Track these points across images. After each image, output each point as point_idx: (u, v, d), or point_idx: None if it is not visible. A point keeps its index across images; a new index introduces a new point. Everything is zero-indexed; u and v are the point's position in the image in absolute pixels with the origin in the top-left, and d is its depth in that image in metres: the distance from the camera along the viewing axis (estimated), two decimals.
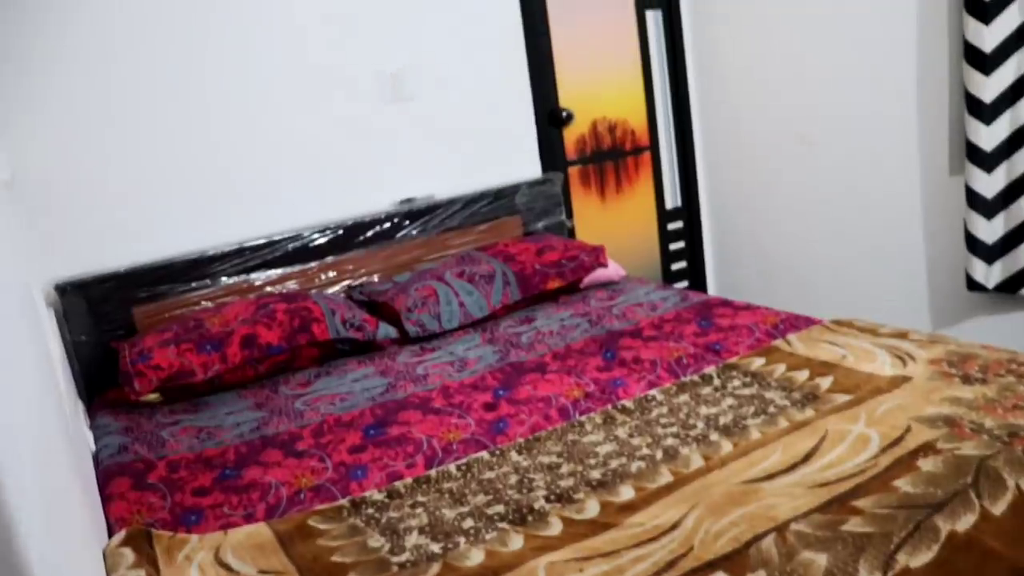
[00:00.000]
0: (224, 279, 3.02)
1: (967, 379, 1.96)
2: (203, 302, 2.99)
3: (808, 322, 2.55)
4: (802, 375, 2.15)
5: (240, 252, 3.05)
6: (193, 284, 2.99)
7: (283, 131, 3.18)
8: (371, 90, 3.33)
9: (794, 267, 3.86)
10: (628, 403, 2.13)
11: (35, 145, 2.81)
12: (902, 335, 2.31)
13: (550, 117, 3.79)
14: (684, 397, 2.13)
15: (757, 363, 2.27)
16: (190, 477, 2.04)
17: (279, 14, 3.14)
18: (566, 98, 3.83)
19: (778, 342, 2.40)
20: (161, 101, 2.98)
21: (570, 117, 3.84)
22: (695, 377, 2.25)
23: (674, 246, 4.29)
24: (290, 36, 3.18)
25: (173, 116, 3.00)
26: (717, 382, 2.20)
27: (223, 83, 3.07)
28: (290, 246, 3.12)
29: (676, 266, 4.31)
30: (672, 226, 4.27)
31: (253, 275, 3.07)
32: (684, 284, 4.31)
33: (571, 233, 3.77)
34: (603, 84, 3.96)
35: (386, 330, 2.82)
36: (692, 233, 4.30)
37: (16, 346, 1.18)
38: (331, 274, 3.19)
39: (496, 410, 2.19)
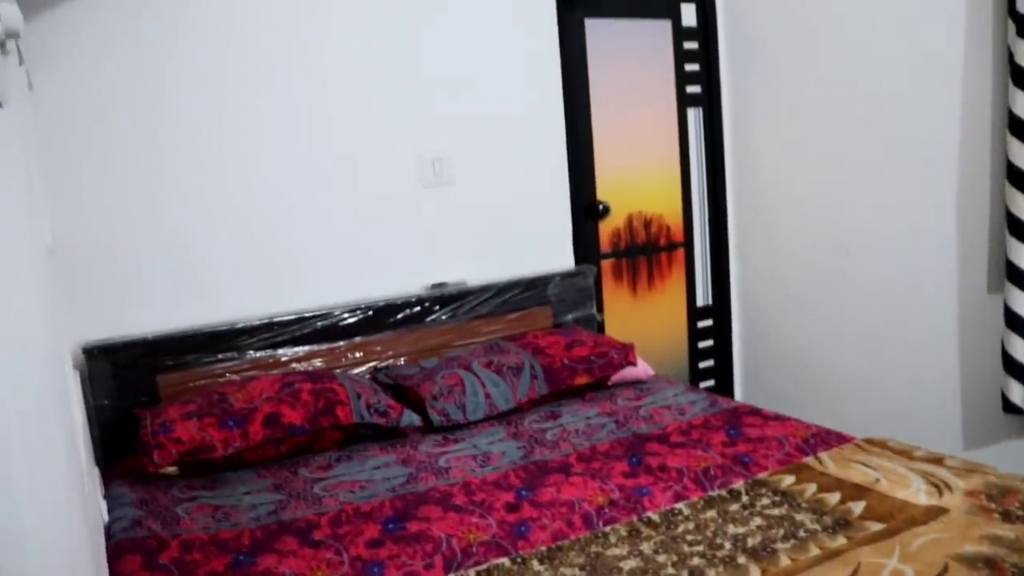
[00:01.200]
0: (251, 353, 3.01)
1: (1007, 516, 1.90)
2: (229, 375, 2.97)
3: (840, 439, 2.49)
4: (833, 497, 2.10)
5: (269, 327, 3.04)
6: (220, 356, 2.98)
7: (319, 208, 3.21)
8: (410, 173, 3.36)
9: (824, 376, 3.80)
10: (654, 515, 2.08)
11: (73, 208, 2.84)
12: (937, 460, 2.25)
13: (587, 209, 3.80)
14: (711, 513, 2.08)
15: (787, 481, 2.21)
16: (203, 560, 1.99)
17: (320, 92, 3.20)
18: (604, 190, 3.85)
19: (809, 459, 2.34)
20: (199, 173, 3.01)
21: (607, 210, 3.85)
22: (723, 492, 2.20)
23: (703, 344, 4.26)
24: (331, 114, 3.22)
25: (210, 188, 3.03)
26: (746, 499, 2.14)
27: (261, 158, 3.11)
28: (319, 324, 3.11)
29: (704, 364, 4.27)
30: (702, 324, 4.24)
31: (281, 351, 3.05)
32: (711, 383, 4.26)
33: (601, 327, 3.75)
34: (641, 178, 3.98)
35: (410, 418, 2.78)
36: (722, 332, 4.27)
37: (43, 413, 1.16)
38: (358, 354, 3.17)
39: (518, 512, 2.15)
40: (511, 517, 2.12)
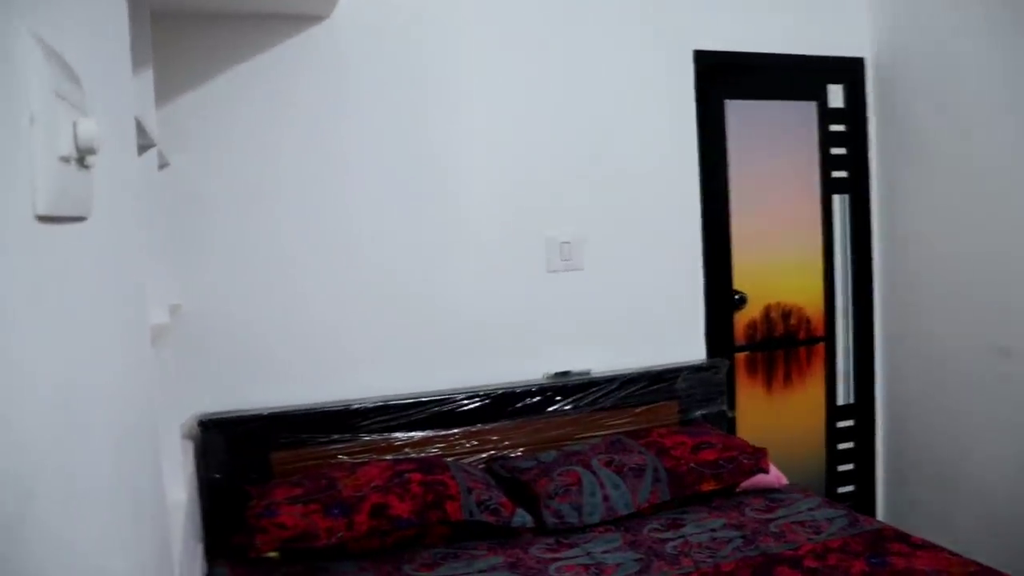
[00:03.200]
0: (365, 435, 2.93)
1: None
2: (341, 455, 2.90)
3: None
4: None
5: (385, 409, 2.97)
6: (334, 436, 2.91)
7: (440, 292, 3.15)
8: (537, 256, 3.27)
9: (982, 496, 3.42)
10: None
11: (201, 281, 2.88)
12: None
13: (721, 299, 3.61)
14: None
15: None
16: None
17: (449, 172, 3.15)
18: (740, 279, 3.66)
19: None
20: (323, 251, 3.01)
21: (743, 300, 3.65)
22: None
23: (842, 445, 3.96)
24: (459, 195, 3.17)
25: (334, 266, 3.02)
26: None
27: (386, 237, 3.08)
28: (435, 408, 3.02)
29: (843, 467, 3.96)
30: (842, 424, 3.95)
31: (395, 434, 2.97)
32: (850, 488, 3.95)
33: (732, 425, 3.52)
34: (781, 267, 3.77)
35: (522, 518, 2.63)
36: (863, 434, 3.96)
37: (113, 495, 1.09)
38: (474, 442, 3.05)
39: None
40: None
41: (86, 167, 0.97)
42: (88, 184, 1.00)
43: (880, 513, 3.91)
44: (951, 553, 2.37)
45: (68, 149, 0.87)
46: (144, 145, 2.17)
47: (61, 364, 0.84)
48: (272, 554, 2.48)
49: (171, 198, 2.76)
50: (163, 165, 2.61)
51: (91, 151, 0.92)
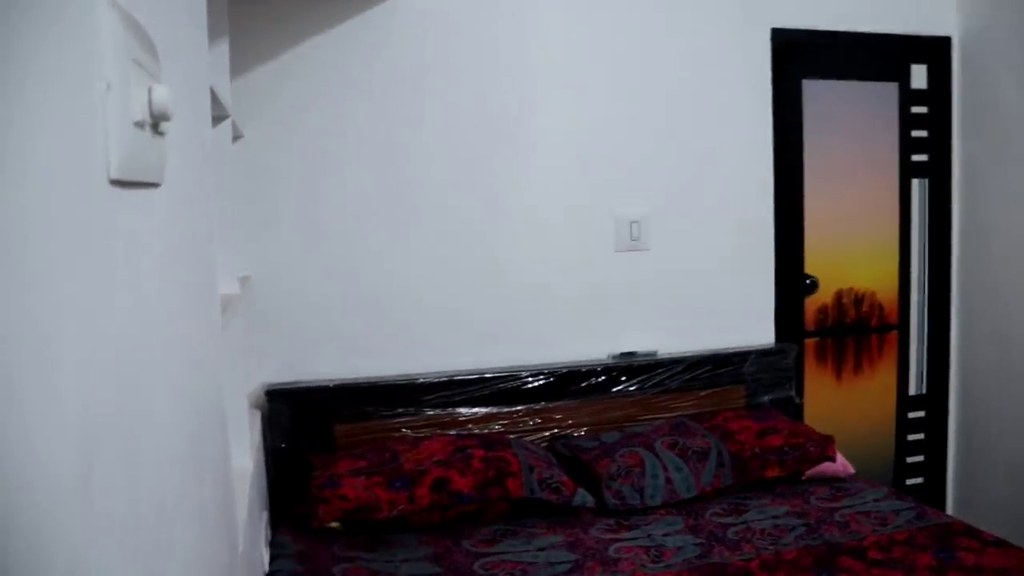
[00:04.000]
0: (429, 410, 2.94)
1: None
2: (404, 429, 2.92)
3: None
4: None
5: (449, 384, 2.98)
6: (398, 410, 2.93)
7: (507, 268, 3.15)
8: (605, 234, 3.23)
9: None
10: None
11: (272, 252, 2.92)
12: None
13: (792, 283, 3.54)
14: None
15: None
16: None
17: (517, 146, 3.14)
18: (812, 263, 3.58)
19: None
20: (391, 225, 3.02)
21: (814, 285, 3.58)
22: None
23: (912, 437, 3.86)
24: (526, 170, 3.15)
25: (401, 241, 3.04)
26: None
27: (452, 214, 3.08)
28: (500, 385, 3.02)
29: (912, 459, 3.87)
30: (913, 415, 3.85)
31: (458, 410, 2.97)
32: (919, 480, 3.85)
33: (799, 411, 3.46)
34: (855, 252, 3.67)
35: (583, 497, 2.62)
36: (935, 426, 3.86)
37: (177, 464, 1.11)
38: (537, 420, 3.05)
39: None
40: None
41: (160, 134, 0.97)
42: (162, 151, 1.00)
43: (950, 508, 3.81)
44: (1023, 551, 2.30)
45: (142, 115, 0.88)
46: (219, 116, 2.20)
47: (129, 328, 0.85)
48: (334, 524, 2.50)
49: (244, 170, 2.79)
50: (237, 137, 2.64)
51: (165, 117, 0.93)
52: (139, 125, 0.87)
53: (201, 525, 1.25)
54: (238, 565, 1.74)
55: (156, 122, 0.93)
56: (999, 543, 2.35)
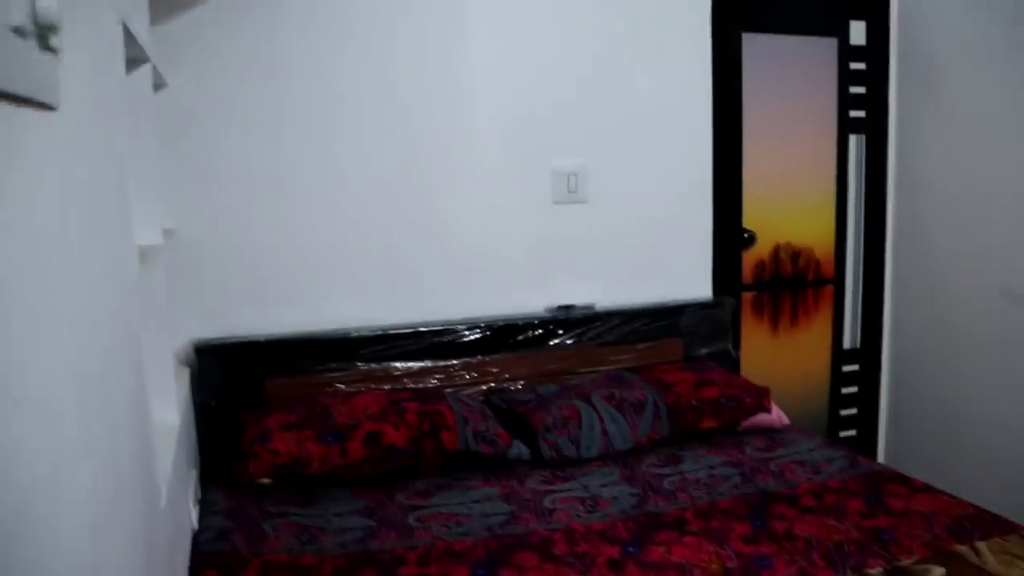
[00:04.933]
0: (363, 364, 2.89)
1: None
2: (338, 384, 2.86)
3: (1004, 527, 2.13)
4: None
5: (384, 338, 2.93)
6: (331, 364, 2.87)
7: (443, 220, 3.08)
8: (542, 187, 3.19)
9: (986, 444, 3.37)
10: None
11: (197, 205, 2.82)
12: None
13: (730, 237, 3.53)
14: None
15: (935, 573, 1.90)
16: None
17: (452, 98, 3.06)
18: (750, 218, 3.58)
19: (963, 548, 2.01)
20: (321, 178, 2.94)
21: (751, 239, 3.58)
22: None
23: (846, 390, 3.91)
24: (462, 121, 3.08)
25: (332, 194, 2.96)
26: None
27: (386, 165, 3.00)
28: (435, 339, 2.97)
29: (846, 412, 3.92)
30: (847, 368, 3.89)
31: (393, 364, 2.93)
32: (852, 433, 3.91)
33: (735, 364, 3.47)
34: (792, 207, 3.68)
35: (519, 449, 2.60)
36: (868, 379, 3.91)
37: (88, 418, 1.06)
38: (474, 374, 3.01)
39: (621, 571, 1.93)
40: None
41: (50, 49, 0.90)
42: (52, 69, 0.93)
43: (881, 459, 3.88)
44: (951, 496, 2.33)
45: (23, 20, 0.81)
46: (137, 59, 2.10)
47: (21, 267, 0.79)
48: (265, 480, 2.46)
49: (170, 121, 2.70)
50: (160, 86, 2.54)
51: (51, 28, 0.86)
52: (19, 32, 0.81)
53: (110, 468, 1.20)
54: (159, 519, 1.69)
55: (42, 32, 0.87)
56: (927, 488, 2.38)
